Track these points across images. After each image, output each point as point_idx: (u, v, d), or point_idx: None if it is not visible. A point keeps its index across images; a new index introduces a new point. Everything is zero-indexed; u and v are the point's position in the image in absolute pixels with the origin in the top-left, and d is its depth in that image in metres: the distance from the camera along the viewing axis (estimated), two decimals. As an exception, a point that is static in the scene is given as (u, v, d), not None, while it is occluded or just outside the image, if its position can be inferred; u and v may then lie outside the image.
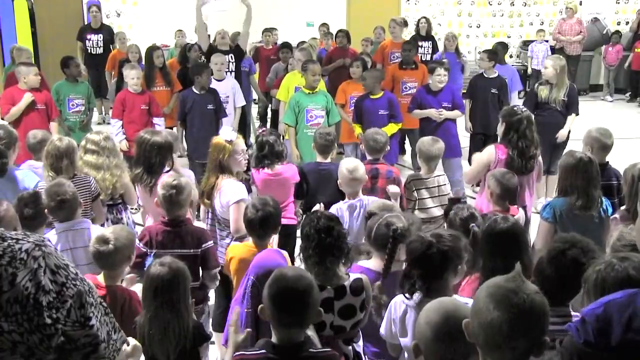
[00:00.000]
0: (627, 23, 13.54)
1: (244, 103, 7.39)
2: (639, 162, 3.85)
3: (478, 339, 1.72)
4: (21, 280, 1.43)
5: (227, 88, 7.03)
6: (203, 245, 3.56)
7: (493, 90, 7.01)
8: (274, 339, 2.28)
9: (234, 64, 7.80)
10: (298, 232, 4.73)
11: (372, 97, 6.54)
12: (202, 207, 4.24)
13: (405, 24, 9.39)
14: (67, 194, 3.53)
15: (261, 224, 3.35)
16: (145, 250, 3.52)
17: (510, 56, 11.31)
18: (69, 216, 3.58)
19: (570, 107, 6.35)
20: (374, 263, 3.08)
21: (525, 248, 2.93)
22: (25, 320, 1.43)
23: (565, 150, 5.10)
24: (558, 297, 2.46)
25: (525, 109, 4.71)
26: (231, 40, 8.31)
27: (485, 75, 7.21)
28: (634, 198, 3.63)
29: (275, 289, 2.25)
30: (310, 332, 2.48)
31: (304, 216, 4.60)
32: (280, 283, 2.26)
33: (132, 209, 6.44)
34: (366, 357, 3.02)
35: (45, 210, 3.57)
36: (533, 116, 4.70)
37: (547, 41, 12.56)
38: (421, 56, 9.21)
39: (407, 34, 9.59)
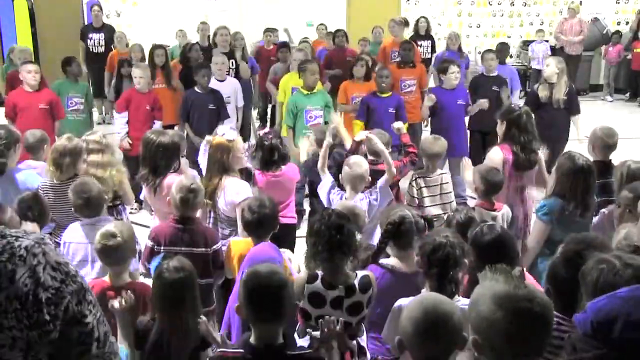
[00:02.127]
0: (627, 23, 13.54)
1: (243, 103, 7.36)
2: (628, 160, 3.85)
3: (494, 351, 1.70)
4: (20, 277, 1.44)
5: (229, 88, 7.01)
6: (214, 247, 3.57)
7: (494, 88, 7.02)
8: (252, 339, 2.29)
9: (234, 69, 7.79)
10: (297, 232, 4.78)
11: (381, 95, 6.55)
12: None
13: (406, 23, 9.42)
14: (93, 191, 3.60)
15: (258, 225, 3.39)
16: (152, 245, 3.54)
17: (510, 56, 11.30)
18: (94, 214, 3.63)
19: (571, 107, 6.36)
20: (393, 262, 3.10)
21: (514, 256, 2.87)
22: (25, 316, 1.44)
23: (566, 149, 5.10)
24: (573, 302, 2.35)
25: (522, 105, 4.72)
26: (232, 40, 8.31)
27: (486, 74, 7.25)
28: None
29: (249, 285, 2.28)
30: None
31: (310, 211, 4.62)
32: (254, 280, 2.29)
33: (131, 209, 6.47)
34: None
35: (72, 208, 3.69)
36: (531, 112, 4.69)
37: (547, 41, 12.56)
38: (420, 55, 9.26)
39: (408, 34, 9.59)
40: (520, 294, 1.67)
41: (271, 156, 4.40)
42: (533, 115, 4.64)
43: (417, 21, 10.09)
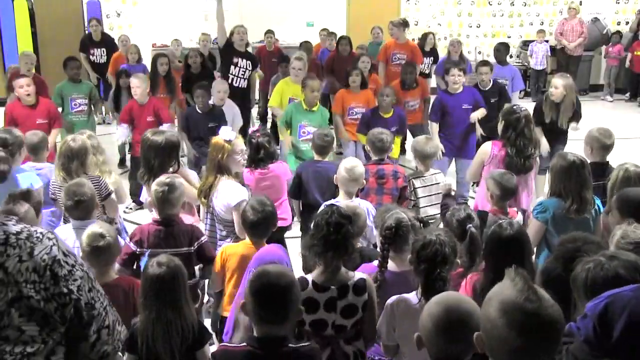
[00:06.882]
0: (627, 23, 13.54)
1: (241, 123, 7.11)
2: (626, 163, 3.81)
3: (492, 352, 1.68)
4: (39, 253, 1.59)
5: (227, 113, 6.72)
6: (196, 243, 3.58)
7: (492, 100, 6.77)
8: (255, 334, 2.32)
9: (250, 70, 7.60)
10: (288, 233, 4.79)
11: (384, 115, 6.38)
12: (201, 207, 4.24)
13: (405, 24, 9.28)
14: (85, 195, 3.58)
15: (264, 224, 3.41)
16: (135, 249, 3.55)
17: (510, 56, 11.26)
18: (84, 216, 3.62)
19: (574, 119, 5.99)
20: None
21: (529, 253, 2.91)
22: (42, 288, 1.58)
23: (564, 150, 5.08)
24: (567, 299, 2.33)
25: (524, 108, 4.69)
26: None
27: (482, 88, 6.88)
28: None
29: (257, 284, 2.28)
30: None
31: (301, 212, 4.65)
32: (262, 279, 2.29)
33: (126, 207, 6.47)
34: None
35: (62, 208, 3.71)
36: (531, 115, 4.69)
37: (547, 41, 12.56)
38: (420, 72, 8.96)
39: (408, 34, 9.44)
40: (529, 308, 1.59)
41: (257, 154, 4.48)
42: (532, 120, 4.64)
43: (426, 36, 9.58)
